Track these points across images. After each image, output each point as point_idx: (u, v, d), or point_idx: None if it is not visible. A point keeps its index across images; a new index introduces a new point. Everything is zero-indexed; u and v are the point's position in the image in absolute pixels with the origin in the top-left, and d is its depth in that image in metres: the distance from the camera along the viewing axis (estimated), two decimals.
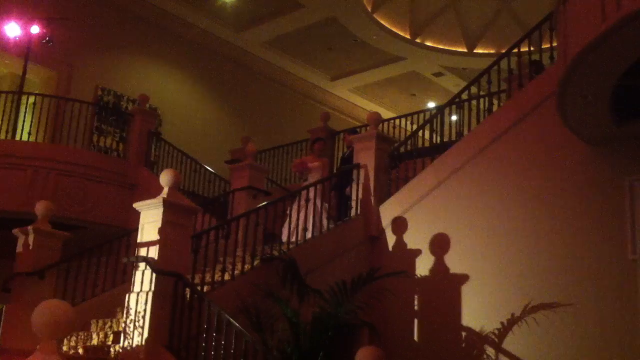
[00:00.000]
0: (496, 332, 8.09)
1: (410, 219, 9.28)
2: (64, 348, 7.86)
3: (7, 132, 11.57)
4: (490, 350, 8.11)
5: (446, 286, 8.69)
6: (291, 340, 7.21)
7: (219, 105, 17.36)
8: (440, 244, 8.87)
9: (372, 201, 9.63)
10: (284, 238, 9.28)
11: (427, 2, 16.16)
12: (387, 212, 9.52)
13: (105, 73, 14.84)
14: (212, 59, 17.17)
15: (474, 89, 10.08)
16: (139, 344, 6.62)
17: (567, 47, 6.53)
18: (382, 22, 16.31)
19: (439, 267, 8.82)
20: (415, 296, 8.98)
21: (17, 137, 11.84)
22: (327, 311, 7.43)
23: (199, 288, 7.18)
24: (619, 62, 6.25)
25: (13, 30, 12.39)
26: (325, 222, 9.61)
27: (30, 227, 8.71)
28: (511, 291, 8.11)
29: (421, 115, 12.59)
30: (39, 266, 8.52)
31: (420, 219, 9.19)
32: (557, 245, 7.90)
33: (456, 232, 8.79)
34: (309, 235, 9.01)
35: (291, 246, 8.64)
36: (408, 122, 12.74)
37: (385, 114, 17.65)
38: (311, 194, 9.22)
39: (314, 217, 9.28)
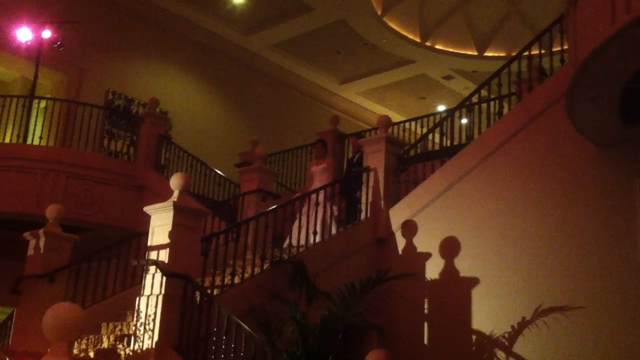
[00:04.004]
0: (506, 335, 8.07)
1: (420, 222, 9.26)
2: (75, 351, 7.88)
3: (18, 136, 11.64)
4: (500, 354, 8.08)
5: (456, 289, 8.67)
6: (300, 342, 7.22)
7: (228, 109, 17.40)
8: (450, 247, 8.85)
9: (382, 204, 9.62)
10: (294, 239, 9.29)
11: (437, 5, 16.14)
12: (397, 215, 9.51)
13: (115, 77, 14.91)
14: (222, 62, 17.22)
15: (484, 92, 10.06)
16: (149, 346, 6.64)
17: (576, 49, 6.52)
18: (392, 25, 16.29)
19: (449, 270, 8.80)
20: (425, 299, 8.95)
21: (29, 141, 11.92)
22: (335, 313, 7.43)
23: (208, 291, 7.19)
24: (628, 65, 6.23)
25: (24, 34, 12.46)
26: (334, 225, 9.61)
27: (41, 231, 8.75)
28: (521, 294, 8.08)
29: (431, 119, 12.57)
30: (49, 269, 8.55)
31: (430, 222, 9.17)
32: (566, 247, 7.87)
33: (466, 235, 8.77)
34: (318, 238, 9.02)
35: (300, 249, 8.65)
36: (418, 125, 12.71)
37: (395, 117, 17.64)
38: (321, 197, 9.22)
39: (323, 220, 9.27)
